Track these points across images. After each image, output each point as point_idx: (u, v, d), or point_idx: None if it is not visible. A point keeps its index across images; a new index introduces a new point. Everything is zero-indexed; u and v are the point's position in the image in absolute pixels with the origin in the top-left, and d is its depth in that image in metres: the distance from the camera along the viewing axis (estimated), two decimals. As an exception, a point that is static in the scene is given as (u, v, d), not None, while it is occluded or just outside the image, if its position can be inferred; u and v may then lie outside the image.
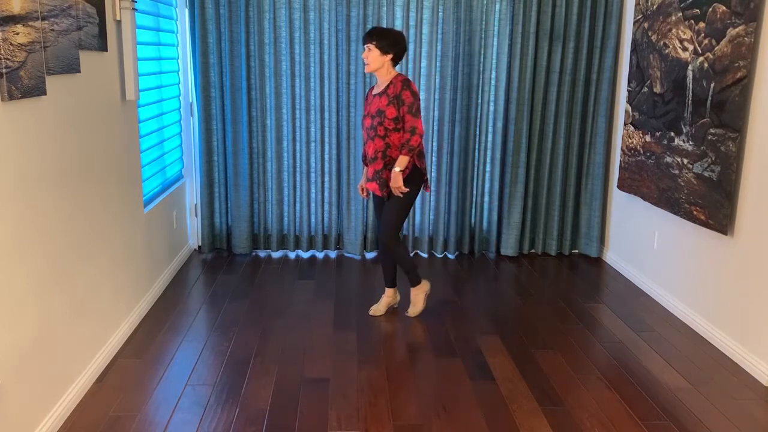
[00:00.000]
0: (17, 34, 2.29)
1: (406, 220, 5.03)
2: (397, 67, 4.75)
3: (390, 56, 3.59)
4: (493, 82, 4.83)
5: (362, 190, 3.97)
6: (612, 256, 4.95)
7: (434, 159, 4.95)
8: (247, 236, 4.96)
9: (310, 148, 4.91)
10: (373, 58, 3.58)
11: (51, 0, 2.58)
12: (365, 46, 3.60)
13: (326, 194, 4.97)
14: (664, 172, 4.03)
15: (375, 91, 3.69)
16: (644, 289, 4.40)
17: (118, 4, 3.33)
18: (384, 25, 4.67)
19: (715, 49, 3.52)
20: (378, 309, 3.93)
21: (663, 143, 4.05)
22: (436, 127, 4.90)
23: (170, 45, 4.55)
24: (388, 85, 3.60)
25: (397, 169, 3.54)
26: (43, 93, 2.50)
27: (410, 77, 4.79)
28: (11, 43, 2.25)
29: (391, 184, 3.58)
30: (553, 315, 3.96)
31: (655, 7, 4.17)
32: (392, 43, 3.57)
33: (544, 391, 3.06)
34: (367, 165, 3.81)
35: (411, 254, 5.07)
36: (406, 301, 4.09)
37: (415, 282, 3.87)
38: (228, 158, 4.83)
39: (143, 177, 3.96)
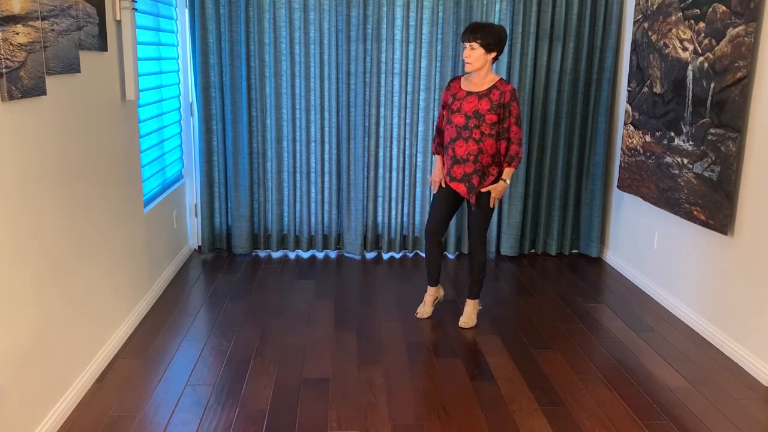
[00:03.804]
0: (17, 34, 2.29)
1: (407, 221, 5.03)
2: (397, 65, 4.77)
3: (493, 54, 3.43)
4: (493, 82, 4.83)
5: (435, 183, 3.71)
6: (612, 256, 4.95)
7: (434, 158, 4.95)
8: (247, 236, 4.96)
9: (310, 148, 4.91)
10: (476, 57, 3.40)
11: (51, 0, 2.58)
12: (467, 44, 3.41)
13: (326, 194, 4.97)
14: (664, 172, 4.03)
15: (468, 88, 3.51)
16: (644, 289, 4.40)
17: (118, 4, 3.33)
18: (384, 26, 4.66)
19: (715, 49, 3.52)
20: (426, 311, 3.88)
21: (663, 143, 4.05)
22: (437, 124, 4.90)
23: (170, 45, 4.55)
24: (490, 89, 3.45)
25: (507, 181, 3.55)
26: (43, 93, 2.50)
27: (410, 77, 4.80)
28: (11, 43, 2.25)
29: (496, 195, 3.54)
30: (553, 315, 3.96)
31: (655, 7, 4.17)
32: (497, 40, 3.39)
33: (544, 391, 3.06)
34: (440, 155, 3.70)
35: (411, 254, 5.08)
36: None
37: (478, 294, 3.82)
38: (228, 158, 4.83)
39: (143, 177, 3.96)
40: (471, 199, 3.57)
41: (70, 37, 2.76)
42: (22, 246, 2.43)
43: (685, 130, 3.81)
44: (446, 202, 3.68)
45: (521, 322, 3.84)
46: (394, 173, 4.93)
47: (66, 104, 2.80)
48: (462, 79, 3.59)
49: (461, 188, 3.57)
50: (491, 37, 3.39)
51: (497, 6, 4.73)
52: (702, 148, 3.65)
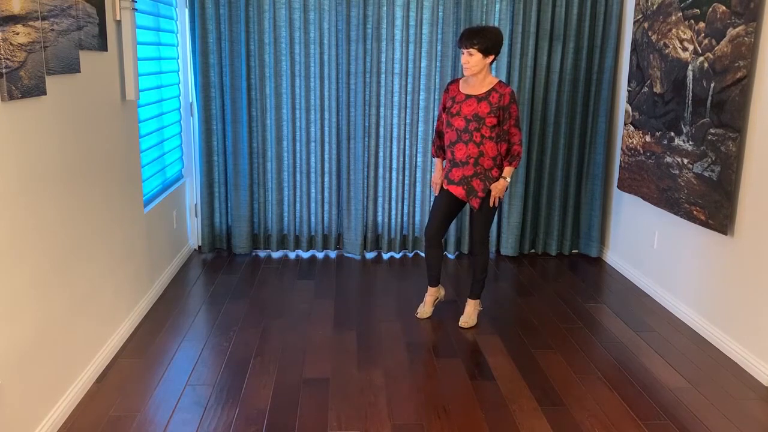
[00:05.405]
0: (17, 34, 2.29)
1: (407, 221, 5.03)
2: (397, 65, 4.76)
3: (491, 58, 3.45)
4: (493, 82, 4.83)
5: (436, 186, 3.73)
6: (612, 256, 4.95)
7: (434, 161, 4.94)
8: (247, 236, 4.96)
9: (310, 148, 4.91)
10: (476, 63, 3.41)
11: (51, 0, 2.58)
12: (465, 50, 3.42)
13: (326, 194, 4.97)
14: (664, 172, 4.03)
15: (467, 91, 3.52)
16: (644, 289, 4.40)
17: (118, 4, 3.33)
18: (384, 25, 4.66)
19: (715, 49, 3.52)
20: (426, 311, 3.88)
21: (663, 143, 4.05)
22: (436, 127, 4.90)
23: (170, 45, 4.55)
24: (489, 92, 3.47)
25: (508, 179, 3.56)
26: (43, 93, 2.50)
27: (410, 77, 4.80)
28: (11, 43, 2.25)
29: (496, 194, 3.54)
30: (553, 315, 3.96)
31: (655, 7, 4.17)
32: (494, 43, 3.41)
33: (544, 391, 3.06)
34: (440, 158, 3.72)
35: (411, 254, 5.08)
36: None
37: (479, 294, 3.82)
38: (228, 158, 4.83)
39: (143, 177, 3.96)
40: (472, 202, 3.58)
41: (70, 37, 2.76)
42: (22, 246, 2.43)
43: (685, 130, 3.81)
44: (447, 205, 3.68)
45: (521, 322, 3.84)
46: (394, 173, 4.94)
47: (66, 104, 2.80)
48: (460, 81, 3.59)
49: (459, 191, 3.58)
50: (489, 41, 3.40)
51: (497, 6, 4.73)
52: (702, 148, 3.65)
